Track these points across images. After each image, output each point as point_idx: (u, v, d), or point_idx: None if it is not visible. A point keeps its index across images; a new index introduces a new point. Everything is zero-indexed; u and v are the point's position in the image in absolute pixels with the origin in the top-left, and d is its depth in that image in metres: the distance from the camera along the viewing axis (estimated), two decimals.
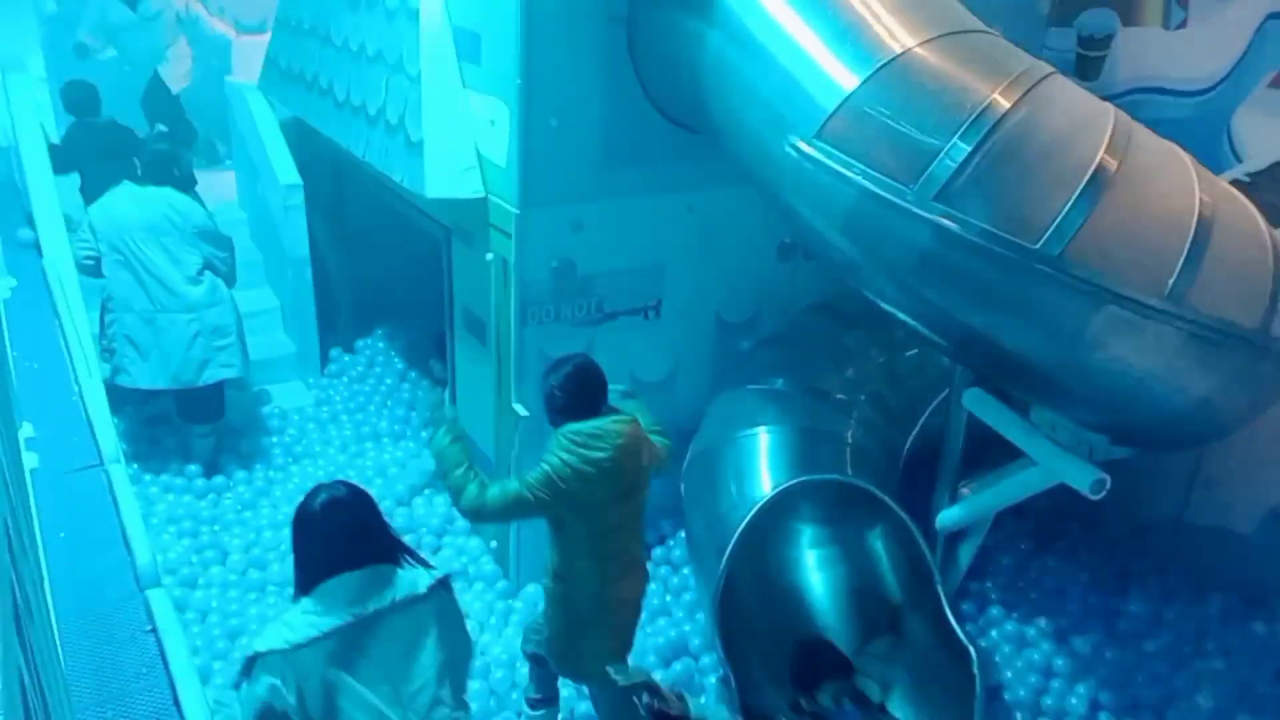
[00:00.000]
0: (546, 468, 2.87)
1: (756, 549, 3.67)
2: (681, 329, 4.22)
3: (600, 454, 2.85)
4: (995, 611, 3.95)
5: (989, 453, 3.70)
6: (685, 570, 4.19)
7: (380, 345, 5.85)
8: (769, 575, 3.94)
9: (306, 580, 2.30)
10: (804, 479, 3.62)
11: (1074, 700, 3.56)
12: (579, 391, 2.94)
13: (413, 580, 2.38)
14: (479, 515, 2.95)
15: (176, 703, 1.87)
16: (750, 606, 3.78)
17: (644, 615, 4.00)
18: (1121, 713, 3.51)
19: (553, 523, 2.98)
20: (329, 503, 2.35)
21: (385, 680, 2.28)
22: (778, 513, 3.60)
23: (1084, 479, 3.06)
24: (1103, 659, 3.70)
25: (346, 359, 5.83)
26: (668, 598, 4.08)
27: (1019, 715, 3.53)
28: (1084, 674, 3.65)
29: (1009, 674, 3.68)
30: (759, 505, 3.48)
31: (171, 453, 4.96)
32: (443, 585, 2.45)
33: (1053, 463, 3.19)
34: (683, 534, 4.22)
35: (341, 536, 2.31)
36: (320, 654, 2.22)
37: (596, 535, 2.95)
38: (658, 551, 4.33)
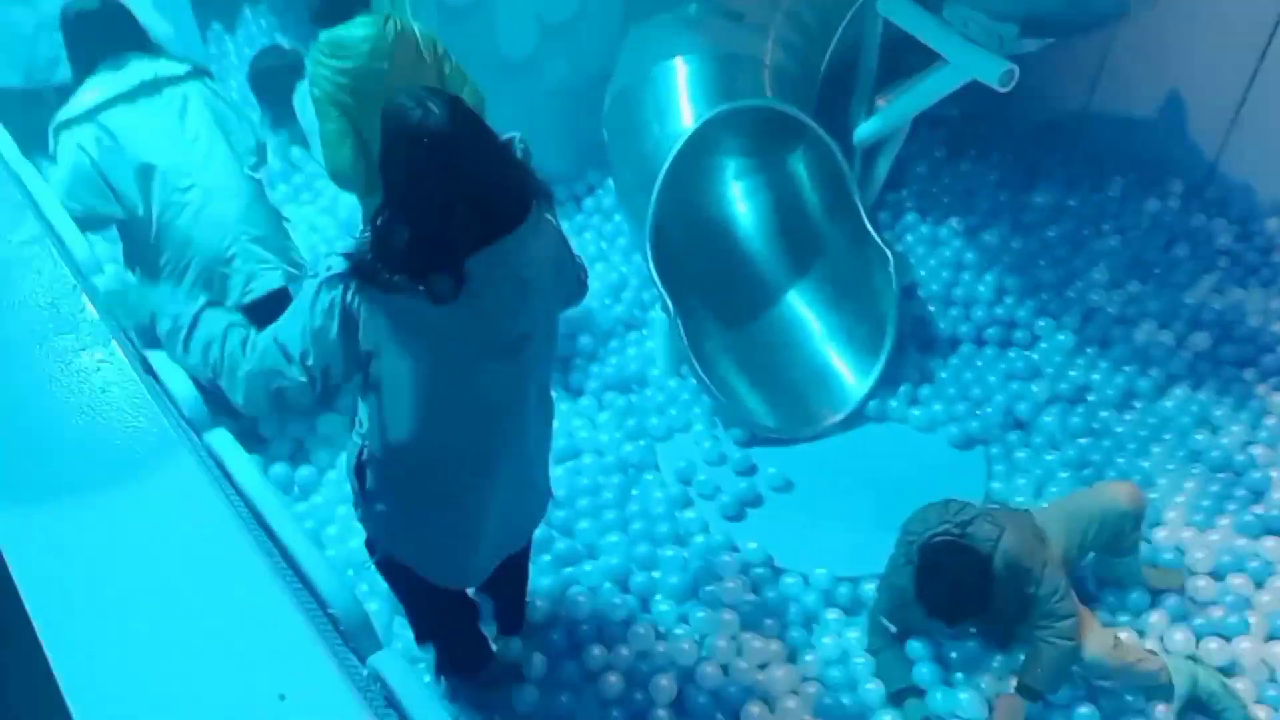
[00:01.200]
0: (316, 92, 2.95)
1: (683, 187, 3.74)
2: None
3: (349, 62, 2.91)
4: (910, 217, 4.17)
5: (904, 65, 3.71)
6: (617, 217, 4.29)
7: (262, 22, 5.36)
8: (696, 212, 4.05)
9: (84, 71, 2.88)
10: (726, 108, 3.60)
11: (981, 288, 3.85)
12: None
13: (171, 67, 2.94)
14: (336, 176, 3.02)
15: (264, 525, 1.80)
16: (681, 244, 3.93)
17: (584, 261, 4.15)
18: (1024, 294, 3.84)
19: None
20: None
21: (165, 136, 2.87)
22: (701, 147, 3.62)
23: (993, 71, 3.11)
24: (1009, 249, 3.97)
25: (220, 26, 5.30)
26: (603, 244, 4.22)
27: (933, 307, 3.84)
28: (991, 264, 3.93)
29: (923, 272, 3.95)
30: (683, 140, 3.49)
31: None
32: (200, 72, 3.00)
33: (964, 58, 3.22)
34: (610, 181, 4.27)
35: (103, 26, 2.88)
36: (107, 115, 2.80)
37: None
38: (588, 202, 4.40)
